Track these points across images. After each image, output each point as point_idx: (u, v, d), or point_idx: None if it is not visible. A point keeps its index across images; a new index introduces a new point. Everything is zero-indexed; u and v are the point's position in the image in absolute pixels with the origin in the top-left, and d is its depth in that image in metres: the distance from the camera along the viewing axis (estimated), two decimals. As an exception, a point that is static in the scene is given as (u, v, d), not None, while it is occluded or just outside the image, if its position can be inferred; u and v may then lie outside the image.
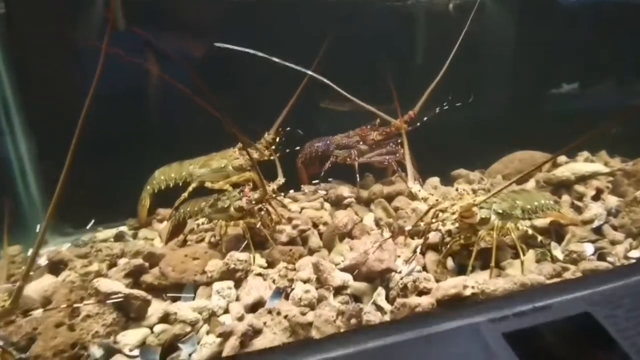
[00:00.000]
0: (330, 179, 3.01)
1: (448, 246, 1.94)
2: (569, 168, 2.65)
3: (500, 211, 1.97)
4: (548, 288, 1.63)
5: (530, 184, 2.90)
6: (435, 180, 3.10)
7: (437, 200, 1.93)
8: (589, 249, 2.06)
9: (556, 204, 2.27)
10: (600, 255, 2.01)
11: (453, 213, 1.88)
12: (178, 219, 2.36)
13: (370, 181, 3.16)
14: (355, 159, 2.99)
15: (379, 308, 1.83)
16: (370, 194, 2.72)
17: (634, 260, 2.00)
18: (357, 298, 1.96)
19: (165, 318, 1.77)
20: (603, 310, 1.45)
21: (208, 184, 2.71)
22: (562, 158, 3.08)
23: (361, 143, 3.09)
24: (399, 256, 2.11)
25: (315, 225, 2.47)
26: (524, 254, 1.88)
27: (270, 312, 1.68)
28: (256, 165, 2.07)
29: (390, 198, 2.78)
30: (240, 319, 1.64)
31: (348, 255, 2.17)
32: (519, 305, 1.45)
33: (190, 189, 2.67)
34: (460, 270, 2.02)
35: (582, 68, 3.43)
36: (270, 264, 2.15)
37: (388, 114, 2.88)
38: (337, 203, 2.79)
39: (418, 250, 2.02)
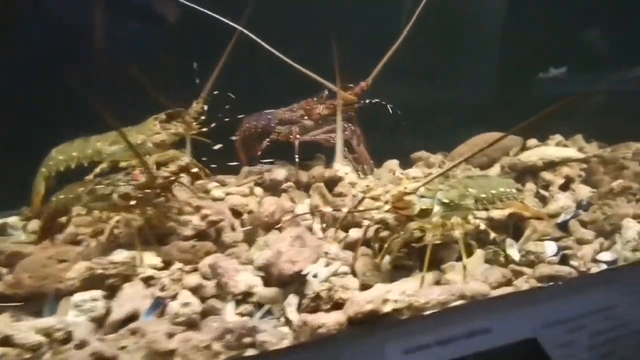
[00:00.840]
0: (272, 160, 2.62)
1: (387, 244, 1.57)
2: (536, 152, 2.30)
3: (447, 201, 1.61)
4: (488, 304, 1.26)
5: (495, 170, 2.55)
6: (393, 162, 2.76)
7: (367, 186, 1.54)
8: (550, 248, 1.71)
9: (519, 192, 1.90)
10: (563, 258, 1.66)
11: (386, 202, 1.50)
12: (53, 209, 1.91)
13: (321, 163, 2.78)
14: (295, 136, 2.59)
15: (289, 322, 1.45)
16: (309, 178, 2.39)
17: (603, 266, 1.66)
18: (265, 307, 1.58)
19: (7, 340, 1.35)
20: (556, 335, 1.09)
21: (123, 164, 2.28)
22: (532, 142, 2.73)
23: (306, 118, 2.68)
24: (326, 253, 1.73)
25: (238, 215, 2.11)
26: (468, 255, 1.51)
27: (134, 332, 1.28)
28: (134, 146, 1.63)
29: (333, 183, 2.32)
30: (80, 346, 1.22)
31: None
32: (448, 327, 1.08)
33: (97, 170, 2.24)
34: (397, 274, 1.65)
35: (568, 51, 3.12)
36: (167, 265, 1.74)
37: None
38: (273, 188, 2.41)
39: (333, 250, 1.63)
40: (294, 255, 1.60)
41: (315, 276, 1.57)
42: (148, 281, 1.64)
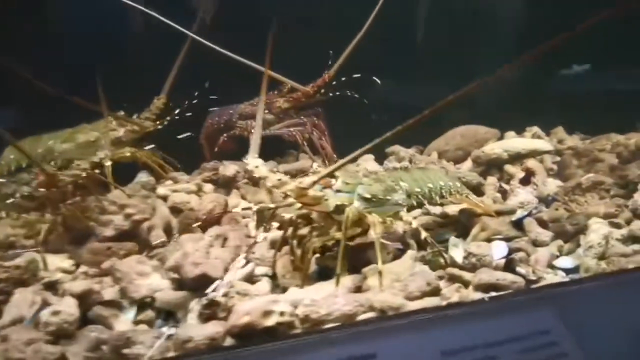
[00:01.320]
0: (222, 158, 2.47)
1: (304, 243, 1.40)
2: (501, 144, 2.09)
3: (368, 195, 1.42)
4: (387, 324, 1.05)
5: (467, 164, 2.33)
6: (369, 157, 2.57)
7: (280, 180, 1.38)
8: (498, 250, 1.50)
9: (464, 185, 1.70)
10: (509, 263, 1.44)
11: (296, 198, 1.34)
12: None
13: (292, 159, 2.70)
14: (250, 130, 2.45)
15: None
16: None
17: (560, 274, 1.43)
18: (170, 314, 1.44)
19: None
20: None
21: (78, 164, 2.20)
22: (510, 134, 2.51)
23: (266, 112, 2.55)
24: (253, 253, 1.59)
25: (178, 212, 2.00)
26: (383, 259, 1.32)
27: (4, 339, 1.16)
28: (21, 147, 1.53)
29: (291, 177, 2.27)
30: None
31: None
32: (328, 350, 0.91)
33: (49, 166, 2.12)
34: (323, 276, 1.48)
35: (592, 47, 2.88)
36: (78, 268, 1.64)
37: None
38: (226, 185, 2.31)
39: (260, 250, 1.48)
40: (199, 257, 1.46)
41: (221, 279, 1.42)
42: (54, 286, 1.53)
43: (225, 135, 2.56)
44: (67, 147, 2.29)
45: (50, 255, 1.65)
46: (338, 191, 1.40)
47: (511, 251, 1.53)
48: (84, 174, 1.67)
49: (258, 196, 2.16)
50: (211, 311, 1.28)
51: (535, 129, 2.44)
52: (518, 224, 1.64)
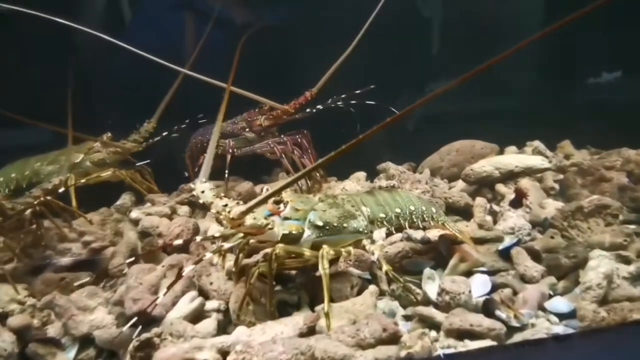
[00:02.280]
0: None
1: (249, 275, 1.29)
2: (492, 161, 1.90)
3: (320, 223, 1.29)
4: None
5: (460, 185, 2.16)
6: (360, 175, 2.48)
7: (225, 206, 1.27)
8: (478, 286, 1.32)
9: (440, 210, 1.54)
10: (487, 305, 1.25)
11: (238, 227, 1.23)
12: None
13: (279, 178, 2.62)
14: (228, 150, 2.39)
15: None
16: (236, 194, 2.24)
17: (554, 320, 1.23)
18: (112, 354, 1.34)
19: None
20: None
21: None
22: (511, 149, 2.32)
23: (247, 130, 2.50)
24: (210, 284, 1.48)
25: (147, 237, 1.94)
26: (344, 294, 1.18)
27: None
28: None
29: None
30: None
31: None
32: None
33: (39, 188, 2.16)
34: (282, 312, 1.35)
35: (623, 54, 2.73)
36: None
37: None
38: (204, 207, 2.15)
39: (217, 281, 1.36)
40: (141, 291, 1.35)
41: (163, 316, 1.31)
42: (6, 317, 1.46)
43: (204, 155, 2.49)
44: (52, 169, 2.31)
45: (8, 285, 1.59)
46: (286, 218, 1.27)
47: (495, 287, 1.34)
48: (36, 202, 1.61)
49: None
50: (144, 354, 1.17)
51: (537, 143, 2.23)
52: (505, 254, 1.46)
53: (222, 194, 1.32)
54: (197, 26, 2.57)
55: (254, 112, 2.50)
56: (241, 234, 1.31)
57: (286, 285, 1.44)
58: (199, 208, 2.27)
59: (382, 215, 1.39)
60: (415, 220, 1.43)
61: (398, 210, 1.40)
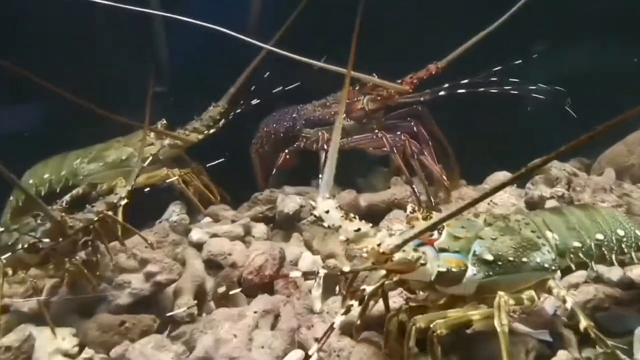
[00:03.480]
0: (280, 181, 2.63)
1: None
2: None
3: (490, 257, 1.31)
4: None
5: None
6: (501, 176, 2.53)
7: (357, 231, 1.32)
8: None
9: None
10: None
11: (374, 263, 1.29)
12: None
13: (381, 180, 2.73)
14: (321, 145, 2.47)
15: None
16: None
17: None
18: None
19: None
20: None
21: (102, 187, 2.48)
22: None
23: (345, 116, 2.56)
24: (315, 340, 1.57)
25: (216, 268, 2.09)
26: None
27: None
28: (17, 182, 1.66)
29: (377, 214, 2.31)
30: None
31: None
32: None
33: (73, 193, 2.44)
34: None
35: None
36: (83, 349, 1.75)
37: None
38: (282, 224, 2.39)
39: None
40: (236, 346, 1.46)
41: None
42: None
43: (287, 150, 2.60)
44: (94, 168, 2.55)
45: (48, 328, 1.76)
46: (443, 250, 1.31)
47: None
48: (96, 219, 1.76)
49: (331, 246, 2.14)
50: None
51: None
52: None
53: (352, 215, 1.36)
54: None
55: (352, 92, 2.56)
56: (381, 272, 1.36)
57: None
58: (277, 227, 2.41)
59: (577, 244, 1.40)
60: (626, 250, 1.41)
61: (600, 237, 1.40)
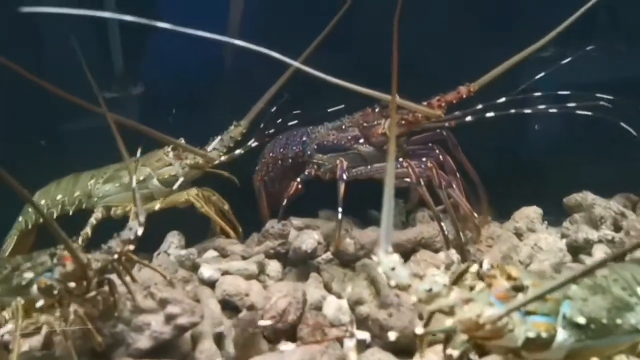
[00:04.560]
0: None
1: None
2: None
3: (583, 321, 1.27)
4: None
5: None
6: (531, 212, 2.48)
7: (429, 291, 1.25)
8: None
9: None
10: None
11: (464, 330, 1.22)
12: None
13: (398, 213, 2.69)
14: (342, 173, 2.38)
15: None
16: (356, 247, 2.27)
17: None
18: None
19: None
20: None
21: (117, 211, 2.49)
22: None
23: (361, 141, 2.50)
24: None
25: (233, 310, 2.05)
26: None
27: None
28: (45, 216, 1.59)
29: (402, 254, 2.13)
30: None
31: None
32: None
33: (92, 220, 2.45)
34: None
35: None
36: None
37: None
38: (298, 263, 2.34)
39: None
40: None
41: None
42: None
43: (299, 179, 2.51)
44: (109, 189, 2.52)
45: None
46: (529, 312, 1.25)
47: None
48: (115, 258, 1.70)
49: (356, 290, 2.07)
50: None
51: None
52: None
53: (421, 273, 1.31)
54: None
55: (371, 113, 2.50)
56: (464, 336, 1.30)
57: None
58: (291, 263, 2.35)
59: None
60: None
61: None
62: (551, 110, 2.26)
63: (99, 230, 2.44)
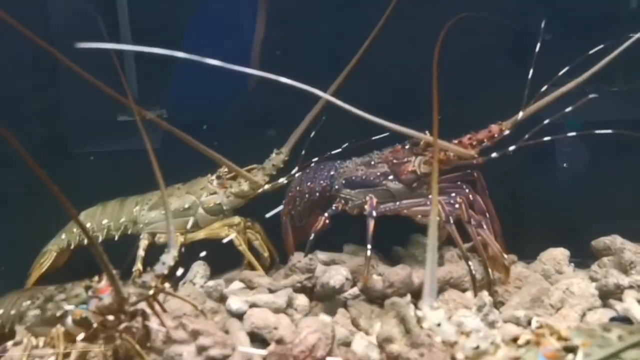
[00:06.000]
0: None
1: None
2: None
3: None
4: None
5: None
6: (558, 254, 2.53)
7: (476, 349, 1.32)
8: None
9: None
10: None
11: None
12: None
13: (423, 250, 2.69)
14: (372, 210, 2.45)
15: None
16: (384, 285, 2.31)
17: None
18: None
19: None
20: None
21: (160, 239, 2.55)
22: None
23: (390, 177, 2.58)
24: None
25: (261, 343, 2.10)
26: None
27: None
28: (97, 246, 1.67)
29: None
30: None
31: None
32: None
33: (140, 251, 2.51)
34: None
35: None
36: None
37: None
38: (326, 298, 2.39)
39: None
40: None
41: None
42: None
43: (327, 214, 2.59)
44: (155, 216, 2.57)
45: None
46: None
47: None
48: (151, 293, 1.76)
49: (380, 325, 2.15)
50: None
51: None
52: None
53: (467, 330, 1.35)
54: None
55: (401, 150, 2.57)
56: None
57: None
58: (318, 299, 2.40)
59: None
60: None
61: None
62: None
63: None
